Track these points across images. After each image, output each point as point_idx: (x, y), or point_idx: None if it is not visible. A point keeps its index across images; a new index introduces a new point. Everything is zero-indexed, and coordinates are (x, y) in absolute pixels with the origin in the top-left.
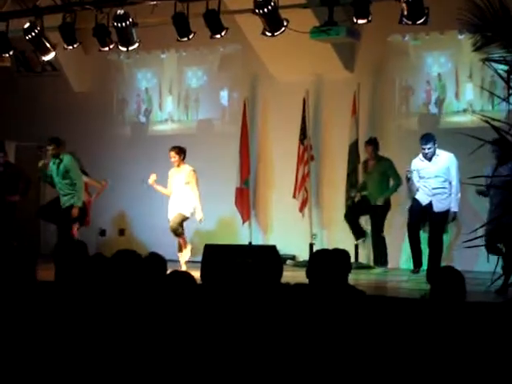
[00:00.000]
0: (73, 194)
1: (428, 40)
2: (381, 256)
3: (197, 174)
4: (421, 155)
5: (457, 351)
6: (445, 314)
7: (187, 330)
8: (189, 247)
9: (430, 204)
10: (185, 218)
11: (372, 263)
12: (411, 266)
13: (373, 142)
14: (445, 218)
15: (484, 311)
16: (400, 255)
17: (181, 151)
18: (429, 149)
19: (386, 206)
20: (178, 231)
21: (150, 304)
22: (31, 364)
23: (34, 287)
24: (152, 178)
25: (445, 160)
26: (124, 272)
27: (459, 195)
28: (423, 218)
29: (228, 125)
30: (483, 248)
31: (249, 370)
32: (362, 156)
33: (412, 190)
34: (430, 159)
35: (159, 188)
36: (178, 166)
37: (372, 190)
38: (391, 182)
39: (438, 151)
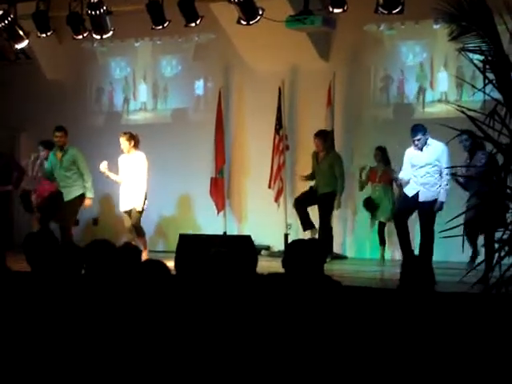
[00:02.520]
0: (79, 186)
1: (403, 30)
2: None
3: (148, 161)
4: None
5: (428, 341)
6: (414, 304)
7: (162, 319)
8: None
9: (416, 194)
10: (142, 212)
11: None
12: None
13: (321, 135)
14: (433, 207)
15: (457, 302)
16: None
17: (132, 138)
18: (418, 140)
19: (332, 195)
20: (140, 230)
21: (125, 293)
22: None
23: (5, 277)
24: (103, 166)
25: (435, 149)
26: (98, 262)
27: (448, 186)
28: (409, 208)
29: (202, 114)
30: (457, 238)
31: (224, 359)
32: (338, 146)
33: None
34: (421, 149)
35: (111, 175)
36: (128, 152)
37: (319, 182)
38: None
39: (429, 141)
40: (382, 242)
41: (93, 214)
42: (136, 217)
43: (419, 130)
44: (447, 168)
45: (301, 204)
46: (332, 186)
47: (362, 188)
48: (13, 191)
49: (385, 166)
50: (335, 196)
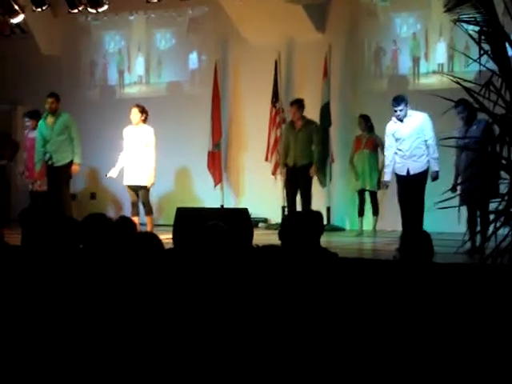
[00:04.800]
0: (70, 151)
1: (397, 1)
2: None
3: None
4: (394, 118)
5: (425, 312)
6: (413, 275)
7: (160, 293)
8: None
9: (407, 170)
10: (150, 188)
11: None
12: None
13: (297, 103)
14: (422, 179)
15: (454, 272)
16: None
17: (144, 111)
18: (400, 110)
19: (309, 166)
20: (150, 207)
21: (122, 267)
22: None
23: (4, 252)
24: (112, 174)
25: (417, 120)
26: (94, 235)
27: (437, 154)
28: (408, 188)
29: (198, 87)
30: (453, 209)
31: (220, 334)
32: (334, 117)
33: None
34: (401, 120)
35: (116, 170)
36: (137, 124)
37: (297, 153)
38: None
39: (410, 112)
40: (361, 212)
41: (91, 188)
42: (144, 193)
43: (401, 100)
44: (435, 137)
45: (293, 202)
46: (310, 156)
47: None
48: (7, 165)
49: (369, 133)
50: (311, 165)
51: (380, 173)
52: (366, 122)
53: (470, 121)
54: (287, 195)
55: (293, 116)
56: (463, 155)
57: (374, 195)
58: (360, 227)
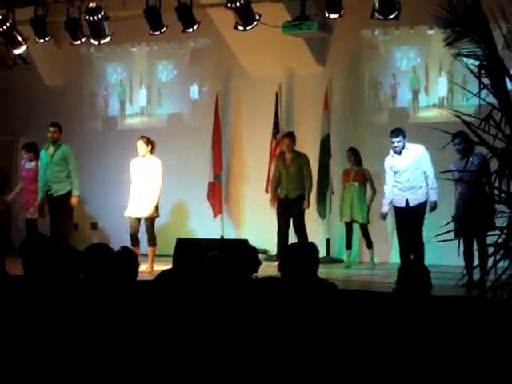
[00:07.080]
0: (68, 182)
1: (398, 35)
2: None
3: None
4: (391, 151)
5: (423, 344)
6: (410, 308)
7: (159, 323)
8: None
9: (406, 202)
10: (155, 218)
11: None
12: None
13: (291, 135)
14: (422, 211)
15: (453, 305)
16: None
17: (149, 142)
18: (398, 142)
19: (302, 197)
20: (153, 238)
21: (121, 297)
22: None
23: (4, 281)
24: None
25: (415, 152)
26: (96, 265)
27: (435, 185)
28: (407, 223)
29: (199, 119)
30: (453, 242)
31: (220, 363)
32: (334, 150)
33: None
34: (399, 153)
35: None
36: (144, 156)
37: (288, 186)
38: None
39: (407, 145)
40: (349, 246)
41: (92, 218)
42: (148, 224)
43: (399, 133)
44: (433, 168)
45: (285, 232)
46: (301, 188)
47: None
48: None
49: (357, 166)
50: (303, 198)
51: (369, 206)
52: (355, 156)
53: (467, 153)
54: (279, 227)
55: (286, 148)
56: (460, 188)
57: (364, 228)
58: (348, 259)
